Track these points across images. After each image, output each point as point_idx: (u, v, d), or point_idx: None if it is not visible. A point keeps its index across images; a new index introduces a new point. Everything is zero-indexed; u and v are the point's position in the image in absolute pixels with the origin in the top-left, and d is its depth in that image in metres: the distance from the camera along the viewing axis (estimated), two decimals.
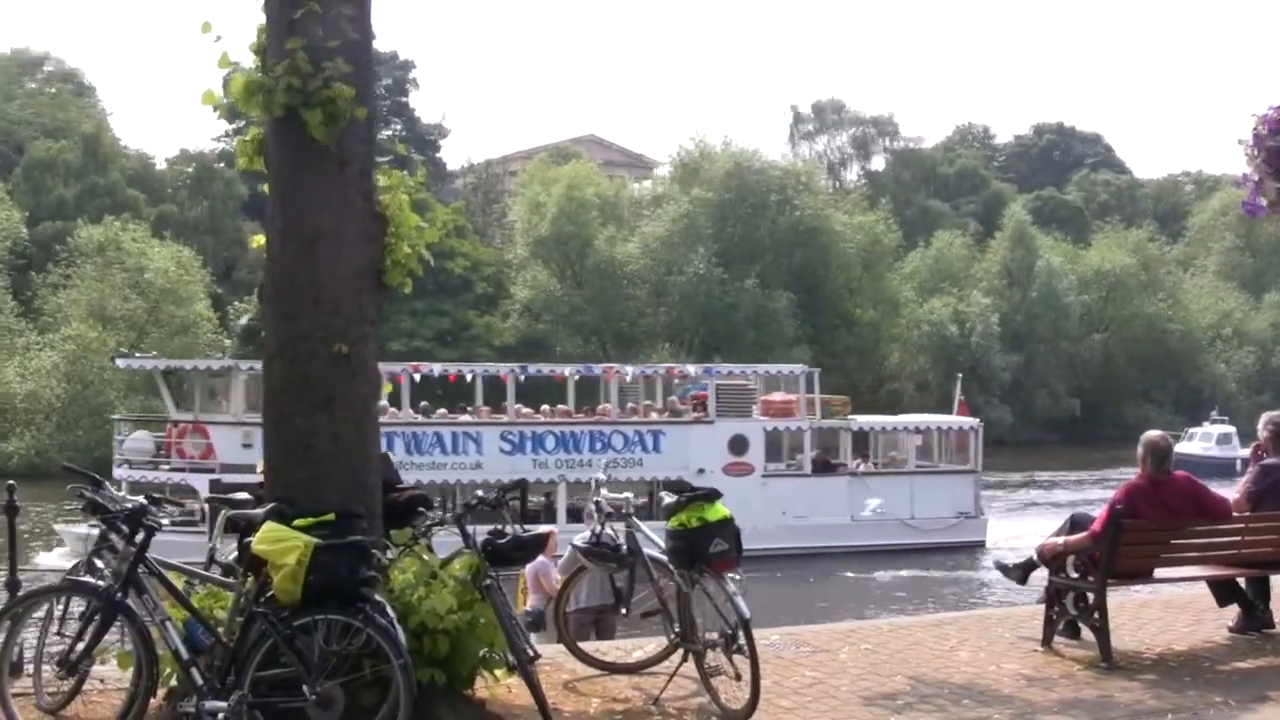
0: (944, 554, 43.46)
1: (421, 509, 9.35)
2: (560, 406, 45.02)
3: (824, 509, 44.48)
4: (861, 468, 46.50)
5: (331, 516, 8.18)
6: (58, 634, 9.03)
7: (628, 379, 46.90)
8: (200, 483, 38.48)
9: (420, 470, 40.00)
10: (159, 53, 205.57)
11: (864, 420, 48.96)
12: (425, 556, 9.01)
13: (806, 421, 45.07)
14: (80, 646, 8.34)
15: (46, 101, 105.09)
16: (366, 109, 8.89)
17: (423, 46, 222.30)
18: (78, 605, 8.75)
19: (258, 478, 9.10)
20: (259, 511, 8.44)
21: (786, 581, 37.30)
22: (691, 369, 48.56)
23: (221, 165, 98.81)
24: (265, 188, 9.19)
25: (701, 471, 40.27)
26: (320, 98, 8.60)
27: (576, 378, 45.13)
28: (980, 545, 45.52)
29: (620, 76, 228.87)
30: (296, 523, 8.08)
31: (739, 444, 43.70)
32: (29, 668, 9.23)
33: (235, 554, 8.72)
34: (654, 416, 44.50)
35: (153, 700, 8.27)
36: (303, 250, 8.83)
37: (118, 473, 40.83)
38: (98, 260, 76.90)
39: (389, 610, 8.08)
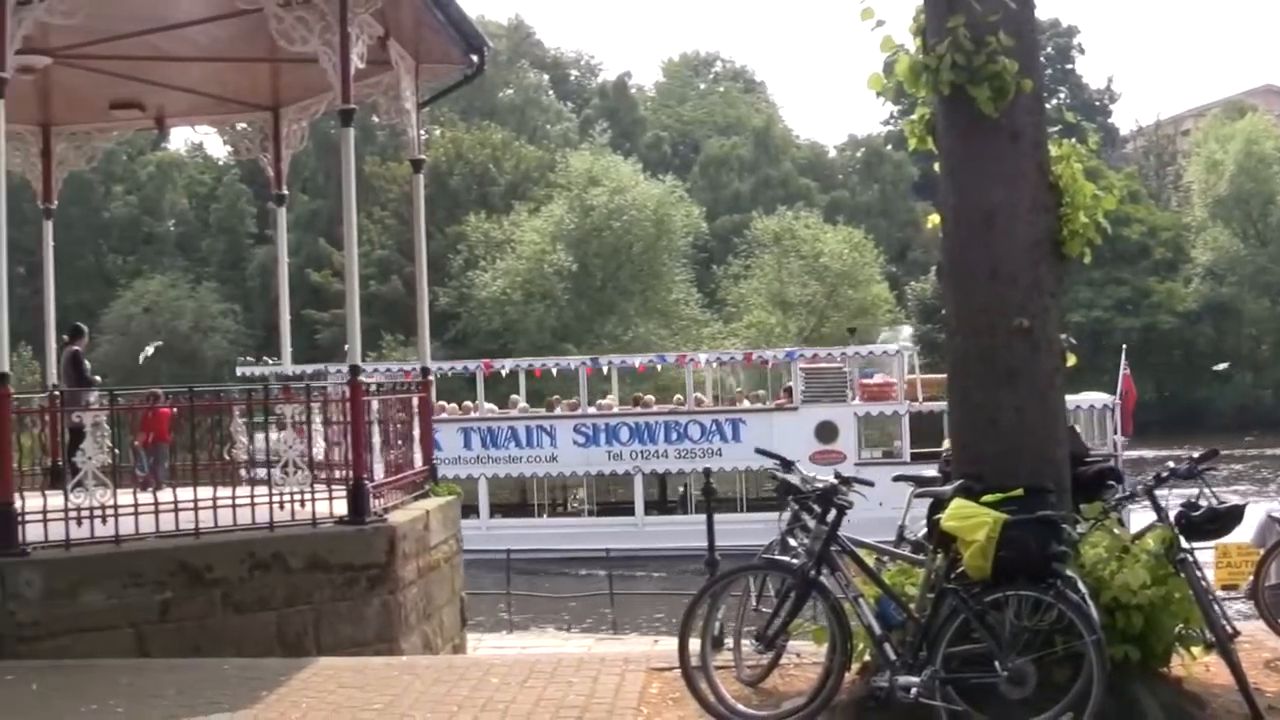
0: None
1: (1111, 482, 9.16)
2: (647, 397, 44.64)
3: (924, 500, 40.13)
4: None
5: (1020, 492, 8.17)
6: (755, 610, 9.39)
7: (701, 366, 44.86)
8: None
9: (497, 464, 41.00)
10: (823, 43, 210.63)
11: None
12: (1116, 530, 8.83)
13: (904, 405, 40.89)
14: (777, 622, 8.63)
15: (718, 100, 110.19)
16: (1032, 80, 8.85)
17: (1085, 10, 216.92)
18: (773, 582, 9.08)
19: None
20: (947, 488, 8.52)
21: None
22: (770, 354, 45.78)
23: (890, 148, 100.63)
24: (936, 166, 9.30)
25: None
26: (986, 73, 8.64)
27: (659, 366, 43.03)
28: None
29: None
30: (984, 498, 8.12)
31: (827, 431, 40.24)
32: (729, 642, 9.70)
33: (925, 531, 8.83)
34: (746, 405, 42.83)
35: (847, 675, 8.48)
36: (978, 225, 8.87)
37: None
38: (774, 249, 79.90)
39: (1080, 585, 7.95)
